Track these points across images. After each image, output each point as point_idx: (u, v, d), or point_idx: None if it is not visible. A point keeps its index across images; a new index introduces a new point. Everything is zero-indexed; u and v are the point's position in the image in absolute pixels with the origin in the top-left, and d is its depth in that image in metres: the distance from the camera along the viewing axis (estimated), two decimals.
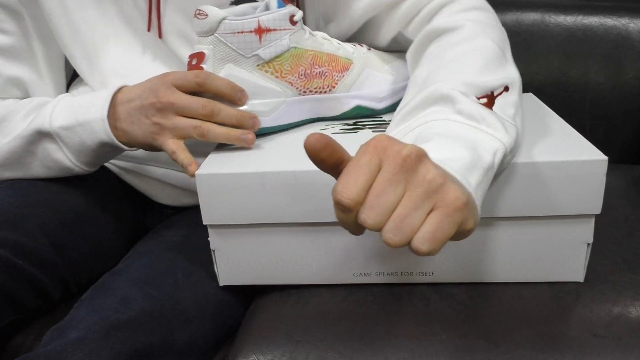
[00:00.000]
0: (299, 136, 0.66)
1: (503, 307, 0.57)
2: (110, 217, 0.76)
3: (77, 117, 0.65)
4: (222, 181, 0.57)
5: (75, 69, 0.77)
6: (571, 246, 0.58)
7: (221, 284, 0.64)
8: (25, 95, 0.77)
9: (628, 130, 0.94)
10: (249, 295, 0.67)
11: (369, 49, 0.73)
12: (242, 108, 0.65)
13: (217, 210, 0.58)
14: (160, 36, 0.74)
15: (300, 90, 0.67)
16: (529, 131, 0.61)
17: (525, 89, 0.75)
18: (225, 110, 0.63)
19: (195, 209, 0.66)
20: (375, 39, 0.76)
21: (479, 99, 0.54)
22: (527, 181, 0.54)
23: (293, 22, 0.65)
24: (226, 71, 0.64)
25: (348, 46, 0.71)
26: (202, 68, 0.64)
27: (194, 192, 0.80)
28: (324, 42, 0.69)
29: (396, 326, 0.56)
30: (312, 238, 0.59)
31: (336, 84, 0.69)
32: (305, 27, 0.68)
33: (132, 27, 0.76)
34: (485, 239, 0.58)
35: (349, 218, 0.41)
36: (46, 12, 0.73)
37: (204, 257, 0.64)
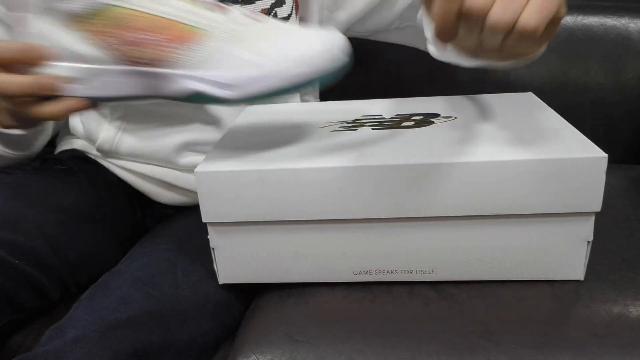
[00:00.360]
0: (300, 133, 0.66)
1: (503, 307, 0.57)
2: (109, 217, 0.76)
3: None
4: (222, 178, 0.57)
5: None
6: (571, 244, 0.58)
7: (221, 282, 0.64)
8: None
9: (628, 130, 0.94)
10: (249, 295, 0.67)
11: (256, 19, 0.57)
12: (47, 71, 0.56)
13: (216, 208, 0.58)
14: None
15: (121, 59, 0.55)
16: (529, 129, 0.62)
17: (525, 89, 0.75)
18: (13, 83, 0.55)
19: (194, 209, 0.66)
20: (385, 18, 0.77)
21: None
22: (527, 178, 0.54)
23: None
24: (37, 23, 0.55)
25: (209, 12, 0.56)
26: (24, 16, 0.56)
27: (193, 192, 0.80)
28: (162, 2, 0.55)
29: (396, 326, 0.56)
30: (312, 236, 0.59)
31: (166, 58, 0.54)
32: None
33: None
34: (485, 237, 0.58)
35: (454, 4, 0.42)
36: None
37: (204, 257, 0.64)
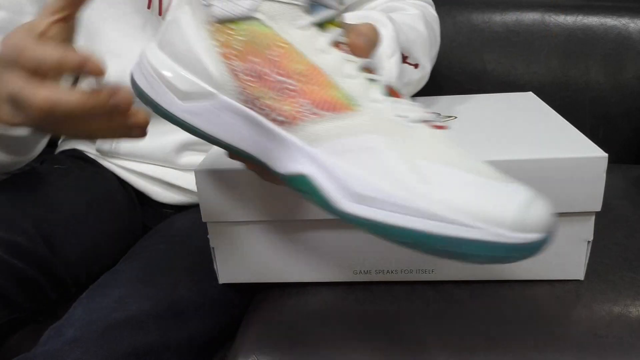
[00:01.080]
0: None
1: (503, 307, 0.57)
2: (109, 217, 0.76)
3: None
4: (221, 178, 0.57)
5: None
6: (571, 244, 0.58)
7: (221, 281, 0.64)
8: None
9: (628, 130, 0.94)
10: (249, 295, 0.67)
11: (434, 125, 0.42)
12: (156, 65, 0.45)
13: (216, 207, 0.58)
14: (160, 14, 0.71)
15: (242, 93, 0.42)
16: (529, 129, 0.62)
17: (525, 88, 0.75)
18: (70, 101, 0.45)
19: (194, 208, 0.66)
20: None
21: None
22: (527, 178, 0.54)
23: None
24: (177, 14, 0.45)
25: (367, 87, 0.42)
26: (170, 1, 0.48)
27: (193, 192, 0.80)
28: (329, 52, 0.42)
29: (396, 326, 0.56)
30: (312, 235, 0.59)
31: (302, 119, 0.41)
32: (320, 11, 0.42)
33: (132, 5, 0.73)
34: None
35: None
36: None
37: (203, 257, 0.64)
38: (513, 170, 0.54)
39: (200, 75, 0.43)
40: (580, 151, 0.54)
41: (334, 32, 0.43)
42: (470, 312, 0.57)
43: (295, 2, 0.41)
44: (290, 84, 0.41)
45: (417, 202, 0.37)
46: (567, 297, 0.58)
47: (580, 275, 0.60)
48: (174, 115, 0.45)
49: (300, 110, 0.41)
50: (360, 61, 0.43)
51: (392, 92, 0.43)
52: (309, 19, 0.42)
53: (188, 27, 0.44)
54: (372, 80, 0.42)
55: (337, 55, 0.42)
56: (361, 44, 0.43)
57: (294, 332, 0.57)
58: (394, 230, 0.38)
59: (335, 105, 0.40)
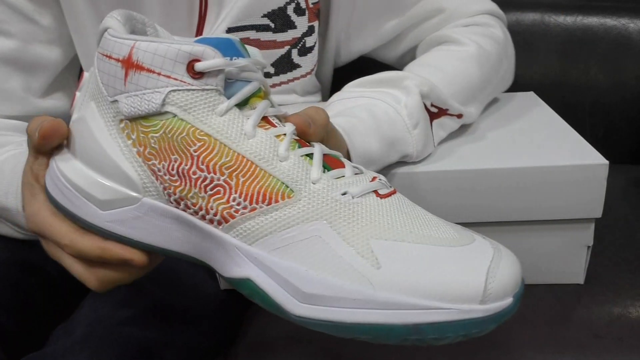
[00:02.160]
0: None
1: None
2: None
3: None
4: None
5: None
6: (571, 249, 0.58)
7: (222, 287, 0.64)
8: (26, 112, 0.69)
9: (628, 130, 0.94)
10: (249, 300, 0.67)
11: (379, 192, 0.39)
12: (71, 177, 0.41)
13: None
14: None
15: (167, 194, 0.39)
16: (530, 133, 0.62)
17: (525, 88, 0.75)
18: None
19: None
20: (392, 52, 0.78)
21: (432, 105, 0.57)
22: (527, 185, 0.54)
23: (192, 72, 0.37)
24: (83, 112, 0.41)
25: (304, 167, 0.38)
26: (74, 97, 0.43)
27: None
28: (255, 135, 0.38)
29: None
30: None
31: (234, 216, 0.37)
32: (239, 88, 0.39)
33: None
34: None
35: None
36: (75, 11, 0.67)
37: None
38: (514, 178, 0.54)
39: (118, 179, 0.39)
40: (581, 158, 0.54)
41: (260, 107, 0.39)
42: None
43: (207, 87, 0.37)
44: (216, 179, 0.37)
45: (371, 292, 0.34)
46: (567, 298, 0.58)
47: (580, 280, 0.60)
48: (97, 227, 0.40)
49: (232, 205, 0.37)
50: (291, 134, 0.39)
51: (333, 162, 0.40)
52: (229, 102, 0.38)
53: (96, 126, 0.39)
54: (308, 155, 0.39)
55: (265, 136, 0.38)
56: (302, 125, 0.41)
57: (294, 332, 0.57)
58: (351, 328, 0.35)
59: (269, 195, 0.37)
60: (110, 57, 0.38)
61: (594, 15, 0.93)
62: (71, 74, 0.74)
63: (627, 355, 0.53)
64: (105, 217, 0.40)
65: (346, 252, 0.35)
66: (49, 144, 0.42)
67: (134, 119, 0.38)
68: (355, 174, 0.39)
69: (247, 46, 0.41)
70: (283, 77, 0.72)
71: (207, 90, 0.37)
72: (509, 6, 0.95)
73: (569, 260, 0.59)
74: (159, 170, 0.38)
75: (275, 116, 0.41)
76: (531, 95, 0.75)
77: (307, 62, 0.73)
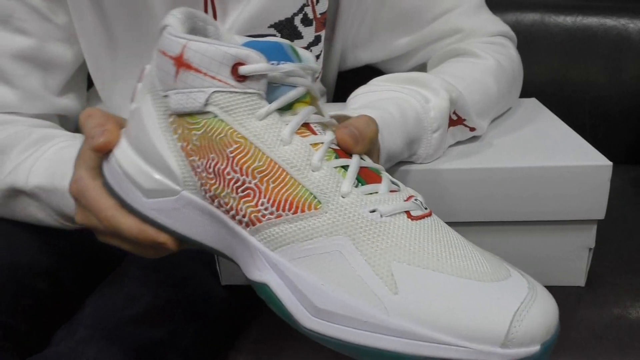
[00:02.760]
0: None
1: None
2: None
3: (54, 182, 0.59)
4: None
5: (95, 82, 0.74)
6: (573, 251, 0.58)
7: (223, 283, 0.64)
8: (45, 110, 0.70)
9: (628, 131, 0.94)
10: (251, 296, 0.67)
11: (410, 214, 0.38)
12: (123, 162, 0.42)
13: None
14: None
15: (204, 190, 0.40)
16: (532, 136, 0.62)
17: (525, 88, 0.75)
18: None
19: None
20: (401, 66, 0.77)
21: (454, 112, 0.57)
22: (530, 186, 0.54)
23: (236, 75, 0.37)
24: (139, 104, 0.42)
25: (336, 179, 0.38)
26: (136, 88, 0.44)
27: None
28: (291, 142, 0.38)
29: None
30: None
31: (260, 221, 0.38)
32: (282, 93, 0.39)
33: None
34: (487, 243, 0.59)
35: None
36: (80, 11, 0.67)
37: (207, 257, 0.64)
38: (516, 178, 0.54)
39: (163, 171, 0.41)
40: (584, 159, 0.54)
41: (301, 113, 0.39)
42: None
43: (249, 91, 0.38)
44: (247, 182, 0.37)
45: (384, 318, 0.33)
46: (567, 299, 0.58)
47: (581, 282, 0.60)
48: (141, 212, 0.42)
49: (259, 209, 0.37)
50: (329, 143, 0.39)
51: (369, 176, 0.39)
52: (269, 106, 0.38)
53: (149, 118, 0.41)
54: (343, 167, 0.38)
55: (301, 144, 0.38)
56: (348, 140, 0.41)
57: (295, 332, 0.57)
58: (359, 350, 0.34)
59: (296, 204, 0.37)
60: (165, 54, 0.39)
61: (594, 15, 0.94)
62: (82, 75, 0.74)
63: (627, 356, 0.53)
64: (149, 204, 0.41)
65: (365, 272, 0.35)
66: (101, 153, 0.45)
67: (181, 115, 0.39)
68: (391, 190, 0.39)
69: (299, 50, 0.41)
70: None
71: (249, 93, 0.38)
72: (509, 6, 0.95)
73: (570, 262, 0.59)
74: (198, 167, 0.39)
75: (319, 123, 0.40)
76: (533, 101, 0.76)
77: None
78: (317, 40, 0.71)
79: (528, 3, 0.96)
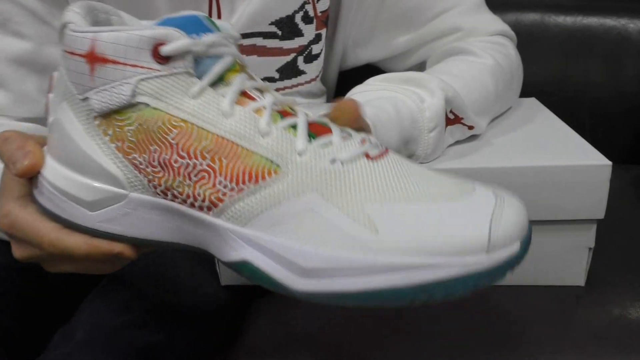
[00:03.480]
0: None
1: (503, 308, 0.58)
2: None
3: None
4: None
5: None
6: (573, 251, 0.58)
7: (223, 283, 0.64)
8: (39, 114, 0.69)
9: (627, 131, 0.94)
10: (251, 297, 0.67)
11: (369, 154, 0.38)
12: (56, 182, 0.40)
13: None
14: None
15: (152, 186, 0.38)
16: (532, 136, 0.62)
17: (525, 88, 0.75)
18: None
19: None
20: (400, 64, 0.77)
21: (451, 111, 0.57)
22: (529, 186, 0.54)
23: (158, 57, 0.36)
24: (57, 114, 0.39)
25: (289, 139, 0.37)
26: (47, 99, 0.41)
27: None
28: (233, 113, 0.37)
29: (397, 326, 0.56)
30: None
31: (222, 200, 0.37)
32: (210, 65, 0.37)
33: None
34: None
35: None
36: None
37: (206, 259, 0.64)
38: (516, 178, 0.54)
39: (102, 178, 0.38)
40: (584, 159, 0.54)
41: (235, 83, 0.38)
42: (471, 313, 0.57)
43: (176, 70, 0.36)
44: (198, 165, 0.36)
45: (372, 258, 0.33)
46: (566, 299, 0.58)
47: (581, 282, 0.60)
48: (89, 228, 0.40)
49: (218, 189, 0.36)
50: (271, 106, 0.38)
51: (319, 129, 0.38)
52: (202, 82, 0.37)
53: (72, 127, 0.38)
54: (292, 127, 0.37)
55: (244, 112, 0.37)
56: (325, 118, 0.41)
57: (295, 333, 0.57)
58: (356, 297, 0.34)
59: (254, 174, 0.36)
60: (73, 54, 0.36)
61: (594, 15, 0.94)
62: None
63: (627, 356, 0.53)
64: (96, 217, 0.39)
65: (342, 221, 0.34)
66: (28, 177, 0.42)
67: (107, 114, 0.37)
68: (343, 138, 0.38)
69: (216, 21, 0.40)
70: (287, 83, 0.72)
71: (177, 74, 0.36)
72: (509, 6, 0.95)
73: (570, 262, 0.59)
74: (141, 164, 0.37)
75: (255, 89, 0.39)
76: (532, 100, 0.75)
77: (313, 69, 0.73)
78: (317, 38, 0.71)
79: (528, 3, 0.96)
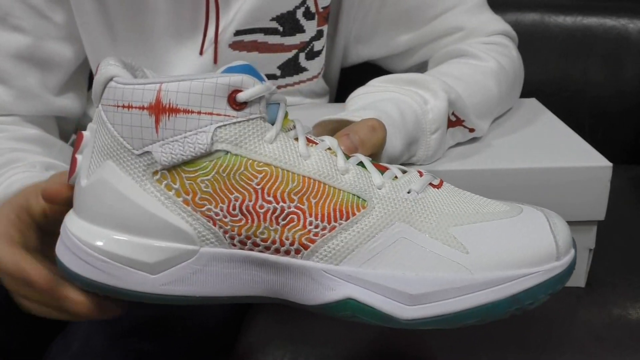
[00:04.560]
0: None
1: None
2: None
3: None
4: None
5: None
6: None
7: None
8: (42, 110, 0.69)
9: (627, 131, 0.94)
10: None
11: (422, 187, 0.39)
12: (104, 247, 0.37)
13: None
14: (215, 62, 0.69)
15: (229, 237, 0.37)
16: (532, 136, 0.62)
17: (525, 88, 0.75)
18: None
19: None
20: (401, 63, 0.77)
21: (453, 113, 0.57)
22: (530, 187, 0.55)
23: (234, 104, 0.36)
24: (99, 175, 0.37)
25: (365, 175, 0.38)
26: (75, 160, 0.39)
27: None
28: (311, 154, 0.37)
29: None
30: None
31: (313, 241, 0.36)
32: (275, 112, 0.38)
33: (180, 47, 0.69)
34: None
35: None
36: (82, 9, 0.66)
37: None
38: (516, 179, 0.54)
39: (167, 236, 0.36)
40: (584, 160, 0.55)
41: (299, 127, 0.38)
42: None
43: (253, 116, 0.36)
44: (286, 208, 0.36)
45: (470, 277, 0.35)
46: (567, 299, 0.58)
47: (581, 283, 0.60)
48: (150, 294, 0.37)
49: (310, 230, 0.36)
50: (336, 145, 0.39)
51: (379, 167, 0.40)
52: (275, 127, 0.37)
53: (124, 186, 0.36)
54: (362, 165, 0.38)
55: (320, 153, 0.37)
56: (347, 149, 0.41)
57: (295, 332, 0.57)
58: (461, 316, 0.36)
59: (345, 210, 0.36)
60: (130, 107, 0.35)
61: (593, 16, 0.94)
62: (82, 75, 0.74)
63: (627, 356, 0.53)
64: (159, 280, 0.37)
65: (434, 246, 0.36)
66: (52, 211, 0.41)
67: (173, 167, 0.36)
68: (402, 172, 0.40)
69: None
70: (289, 80, 0.72)
71: (252, 119, 0.36)
72: (509, 6, 0.95)
73: None
74: (217, 215, 0.36)
75: (309, 132, 0.40)
76: (533, 101, 0.75)
77: (314, 66, 0.73)
78: (319, 34, 0.71)
79: (528, 3, 0.96)
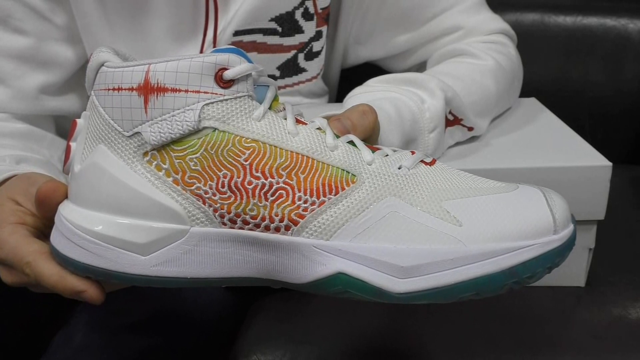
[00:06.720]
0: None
1: (503, 308, 0.58)
2: None
3: None
4: None
5: None
6: (573, 251, 0.58)
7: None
8: (37, 111, 0.69)
9: (628, 130, 0.94)
10: (251, 296, 0.67)
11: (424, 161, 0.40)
12: (97, 230, 0.37)
13: None
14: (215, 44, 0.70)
15: (219, 215, 0.37)
16: (532, 136, 0.62)
17: (525, 88, 0.75)
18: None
19: None
20: (401, 63, 0.77)
21: (450, 112, 0.57)
22: None
23: (222, 82, 0.36)
24: (91, 159, 0.38)
25: (354, 152, 0.38)
26: (69, 148, 0.40)
27: None
28: (300, 131, 0.38)
29: (396, 326, 0.56)
30: None
31: (304, 216, 0.36)
32: (264, 92, 0.39)
33: (180, 48, 0.69)
34: None
35: None
36: (83, 10, 0.66)
37: None
38: (516, 178, 0.54)
39: (157, 216, 0.37)
40: (584, 159, 0.55)
41: (289, 108, 0.39)
42: (470, 313, 0.57)
43: (240, 94, 0.37)
44: (275, 183, 0.36)
45: (464, 249, 0.35)
46: (566, 299, 0.59)
47: (581, 282, 0.60)
48: (141, 275, 0.38)
49: (299, 205, 0.36)
50: (325, 125, 0.39)
51: (370, 147, 0.40)
52: (263, 106, 0.37)
53: (116, 168, 0.37)
54: (351, 142, 0.39)
55: (308, 130, 0.38)
56: (352, 128, 0.42)
57: (295, 332, 0.57)
58: (455, 289, 0.35)
59: (334, 184, 0.36)
60: (120, 89, 0.36)
61: (593, 16, 0.94)
62: (84, 76, 0.73)
63: (627, 356, 0.53)
64: (149, 261, 0.37)
65: (426, 219, 0.36)
66: (47, 208, 0.41)
67: (163, 146, 0.36)
68: (394, 151, 0.40)
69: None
70: (288, 81, 0.72)
71: (240, 97, 0.37)
72: (509, 6, 0.95)
73: (570, 262, 0.58)
74: (206, 193, 0.36)
75: (300, 115, 0.40)
76: (532, 100, 0.76)
77: (314, 67, 0.73)
78: (318, 35, 0.71)
79: (528, 3, 0.96)
